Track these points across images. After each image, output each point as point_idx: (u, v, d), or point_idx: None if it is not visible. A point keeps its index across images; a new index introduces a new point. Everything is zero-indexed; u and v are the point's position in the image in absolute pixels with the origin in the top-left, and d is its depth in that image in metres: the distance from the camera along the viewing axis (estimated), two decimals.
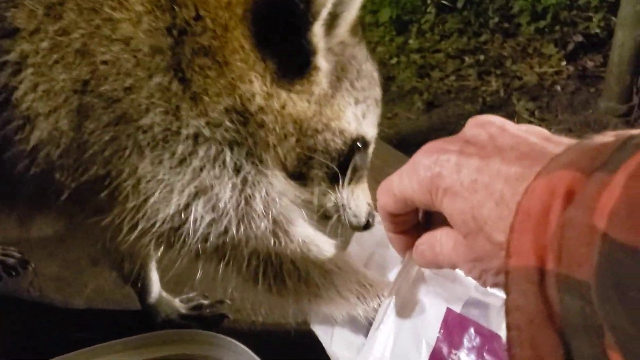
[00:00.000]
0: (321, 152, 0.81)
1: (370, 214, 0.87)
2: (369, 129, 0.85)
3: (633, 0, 2.62)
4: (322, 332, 0.81)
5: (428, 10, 4.24)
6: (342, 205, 0.85)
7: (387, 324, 0.70)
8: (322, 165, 0.81)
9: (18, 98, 0.71)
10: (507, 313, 0.41)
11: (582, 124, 2.95)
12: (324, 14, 0.74)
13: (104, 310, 1.09)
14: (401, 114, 2.92)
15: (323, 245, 0.82)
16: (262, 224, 0.76)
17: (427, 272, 0.73)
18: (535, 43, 3.58)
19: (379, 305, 0.77)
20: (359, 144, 0.82)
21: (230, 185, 0.74)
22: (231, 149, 0.75)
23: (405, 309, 0.71)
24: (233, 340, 0.79)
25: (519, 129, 0.50)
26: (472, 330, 0.69)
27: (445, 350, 0.68)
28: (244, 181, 0.75)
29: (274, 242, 0.77)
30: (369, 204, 0.87)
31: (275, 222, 0.78)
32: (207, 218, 0.74)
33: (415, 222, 0.58)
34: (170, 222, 0.74)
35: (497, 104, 3.14)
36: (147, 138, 0.71)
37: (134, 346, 0.82)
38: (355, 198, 0.86)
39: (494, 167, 0.46)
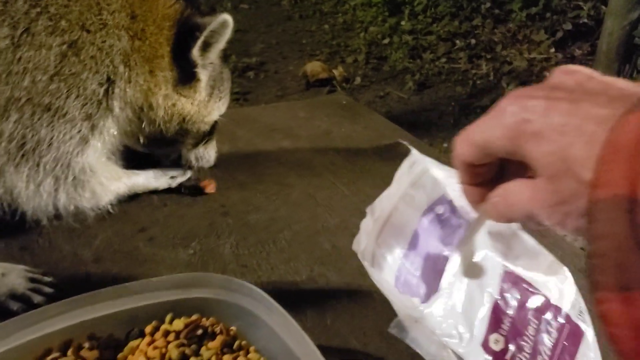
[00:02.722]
0: (194, 132, 1.25)
1: (215, 158, 1.35)
2: (223, 109, 1.30)
3: None
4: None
5: None
6: (201, 156, 1.32)
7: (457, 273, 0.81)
8: (194, 138, 1.26)
9: None
10: (591, 241, 0.41)
11: None
12: (199, 40, 1.11)
13: (112, 261, 1.13)
14: (393, 93, 2.96)
15: None
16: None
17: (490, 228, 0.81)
18: (525, 30, 3.64)
19: None
20: (216, 121, 1.29)
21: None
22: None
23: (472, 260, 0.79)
24: (249, 284, 0.83)
25: (606, 77, 0.50)
26: (526, 289, 0.81)
27: (502, 306, 0.80)
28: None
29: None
30: (215, 152, 1.35)
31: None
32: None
33: (492, 175, 0.57)
34: None
35: (487, 87, 3.19)
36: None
37: (151, 289, 0.85)
38: (208, 151, 1.33)
39: (584, 109, 0.46)
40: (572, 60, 3.33)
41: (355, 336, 0.97)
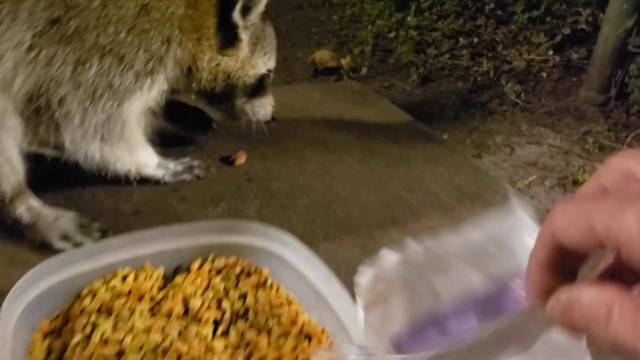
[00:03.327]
0: (242, 86, 1.35)
1: (273, 112, 1.46)
2: (271, 64, 1.39)
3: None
4: None
5: None
6: (256, 110, 1.43)
7: None
8: (243, 91, 1.37)
9: None
10: None
11: (562, 109, 3.17)
12: (239, 4, 1.23)
13: (150, 215, 1.26)
14: (397, 85, 3.09)
15: None
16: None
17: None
18: (526, 32, 3.78)
19: None
20: (267, 74, 1.38)
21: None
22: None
23: None
24: (280, 232, 0.97)
25: None
26: None
27: None
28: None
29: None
30: (272, 106, 1.45)
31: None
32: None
33: (575, 269, 0.45)
34: None
35: (487, 84, 3.34)
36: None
37: (190, 233, 0.98)
38: (264, 104, 1.43)
39: None
40: (569, 63, 3.48)
41: None
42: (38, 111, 1.15)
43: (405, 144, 1.64)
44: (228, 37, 1.28)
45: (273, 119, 1.47)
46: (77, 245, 1.14)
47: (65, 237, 1.15)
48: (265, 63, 1.37)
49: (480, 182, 1.47)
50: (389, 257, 0.62)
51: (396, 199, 1.38)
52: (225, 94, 1.36)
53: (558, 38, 3.59)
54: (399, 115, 1.83)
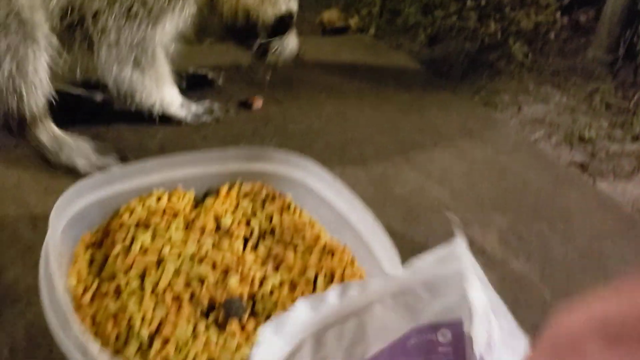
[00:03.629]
0: (262, 24, 1.37)
1: (298, 52, 1.47)
2: (293, 5, 1.41)
3: None
4: None
5: None
6: (280, 49, 1.44)
7: None
8: (265, 29, 1.38)
9: None
10: None
11: (570, 69, 3.19)
12: None
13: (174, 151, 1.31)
14: (405, 46, 3.11)
15: None
16: None
17: None
18: None
19: None
20: (288, 14, 1.39)
21: None
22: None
23: None
24: (305, 159, 1.02)
25: None
26: None
27: None
28: None
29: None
30: (296, 46, 1.47)
31: None
32: None
33: None
34: None
35: (495, 45, 3.34)
36: None
37: (219, 159, 1.03)
38: (288, 44, 1.45)
39: None
40: (577, 24, 3.48)
41: (381, 219, 1.15)
42: (73, 28, 1.19)
43: (418, 92, 1.68)
44: None
45: (296, 59, 1.51)
46: (99, 166, 1.20)
47: (86, 159, 1.21)
48: (286, 3, 1.39)
49: (491, 126, 1.52)
50: (337, 290, 0.60)
51: (409, 141, 1.42)
52: (248, 31, 1.38)
53: (566, 0, 3.58)
54: (411, 66, 1.87)
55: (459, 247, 0.64)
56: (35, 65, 1.14)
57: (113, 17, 1.20)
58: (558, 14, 3.77)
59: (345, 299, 0.61)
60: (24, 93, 1.15)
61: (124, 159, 1.23)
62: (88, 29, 1.20)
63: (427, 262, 0.64)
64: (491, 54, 3.31)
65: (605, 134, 2.62)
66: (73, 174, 1.18)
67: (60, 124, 1.34)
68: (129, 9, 1.21)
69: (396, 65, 1.85)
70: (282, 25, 1.41)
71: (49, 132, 1.21)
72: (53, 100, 1.21)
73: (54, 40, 1.17)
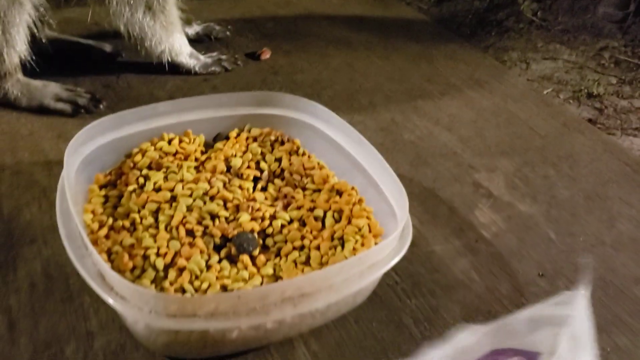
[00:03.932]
0: None
1: None
2: None
3: None
4: None
5: None
6: None
7: None
8: None
9: None
10: None
11: (579, 27, 3.17)
12: None
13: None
14: (413, 4, 3.09)
15: None
16: None
17: None
18: None
19: None
20: None
21: None
22: None
23: None
24: (314, 103, 1.03)
25: None
26: None
27: None
28: None
29: None
30: None
31: None
32: None
33: None
34: None
35: (503, 2, 3.32)
36: None
37: (229, 102, 1.04)
38: None
39: None
40: None
41: (389, 163, 1.16)
42: None
43: (427, 43, 1.68)
44: None
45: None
46: (74, 103, 1.24)
47: (59, 100, 1.24)
48: None
49: (499, 77, 1.52)
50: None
51: (418, 89, 1.43)
52: None
53: None
54: (419, 18, 1.86)
55: (579, 295, 0.62)
56: (18, 28, 1.17)
57: None
58: None
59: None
60: (4, 54, 1.19)
61: (95, 99, 1.26)
62: None
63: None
64: (500, 12, 3.28)
65: (614, 91, 2.62)
66: (43, 112, 1.23)
67: (70, 74, 1.36)
68: None
69: (405, 18, 1.84)
70: None
71: (14, 81, 1.24)
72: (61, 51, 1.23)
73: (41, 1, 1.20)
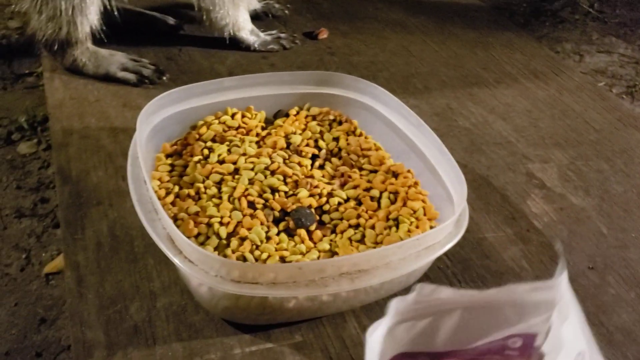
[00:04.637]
0: None
1: None
2: None
3: None
4: None
5: None
6: None
7: None
8: None
9: None
10: None
11: (637, 20, 3.10)
12: None
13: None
14: None
15: None
16: None
17: None
18: None
19: None
20: None
21: None
22: None
23: None
24: (374, 85, 1.04)
25: None
26: None
27: None
28: None
29: None
30: None
31: None
32: None
33: None
34: None
35: None
36: None
37: (290, 80, 1.06)
38: None
39: None
40: None
41: None
42: None
43: (483, 30, 1.67)
44: None
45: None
46: (140, 74, 1.28)
47: (125, 69, 1.29)
48: None
49: (555, 68, 1.51)
50: (425, 290, 0.62)
51: (473, 76, 1.43)
52: None
53: None
54: (476, 4, 1.85)
55: (559, 279, 0.63)
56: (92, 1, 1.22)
57: None
58: None
59: (429, 300, 0.63)
60: (78, 23, 1.23)
61: (160, 70, 1.31)
62: None
63: (522, 287, 0.64)
64: (555, 2, 3.23)
65: None
66: (109, 79, 1.28)
67: (134, 44, 1.40)
68: None
69: (461, 3, 1.84)
70: None
71: (84, 48, 1.28)
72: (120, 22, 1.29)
73: None
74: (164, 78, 1.29)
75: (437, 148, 0.93)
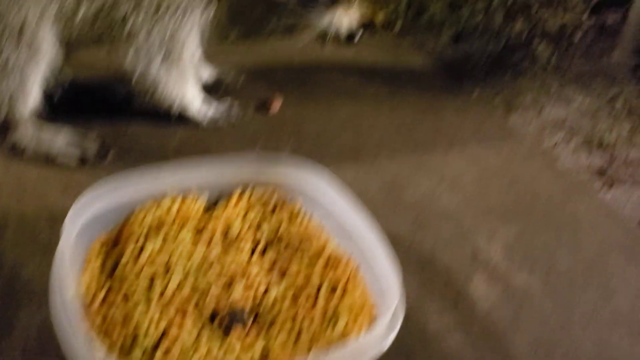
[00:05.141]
0: None
1: (355, 29, 1.35)
2: None
3: None
4: None
5: None
6: (334, 22, 1.32)
7: None
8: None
9: None
10: None
11: (594, 72, 3.16)
12: None
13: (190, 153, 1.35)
14: (428, 44, 3.11)
15: None
16: None
17: None
18: None
19: None
20: None
21: None
22: None
23: None
24: (317, 167, 1.04)
25: None
26: None
27: None
28: None
29: None
30: (349, 22, 1.33)
31: None
32: None
33: None
34: None
35: (519, 44, 3.32)
36: None
37: (232, 164, 1.05)
38: (338, 18, 1.32)
39: None
40: (604, 26, 3.45)
41: (390, 224, 1.16)
42: (101, 32, 1.23)
43: (435, 95, 1.69)
44: None
45: (350, 38, 1.37)
46: (81, 153, 1.26)
47: (69, 146, 1.27)
48: None
49: (507, 132, 1.52)
50: None
51: (424, 144, 1.44)
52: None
53: (594, 0, 3.54)
54: (430, 69, 1.88)
55: None
56: (35, 77, 1.20)
57: (141, 19, 1.23)
58: (585, 15, 3.74)
59: None
60: (18, 104, 1.22)
61: (105, 148, 1.28)
62: (115, 34, 1.23)
63: None
64: (515, 55, 3.29)
65: (626, 139, 2.60)
66: (51, 160, 1.25)
67: (81, 122, 1.39)
68: (156, 10, 1.24)
69: (415, 68, 1.86)
70: None
71: (30, 130, 1.26)
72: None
73: (59, 50, 1.23)
74: (109, 156, 1.27)
75: (376, 237, 0.93)
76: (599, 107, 2.87)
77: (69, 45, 1.31)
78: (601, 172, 2.09)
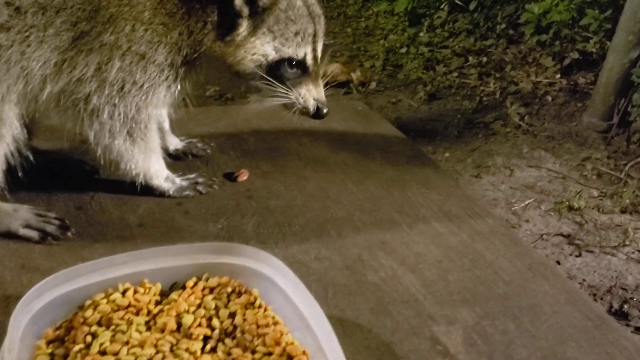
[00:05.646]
0: (249, 71, 1.31)
1: (319, 105, 1.37)
2: (297, 51, 1.31)
3: (626, 30, 2.89)
4: None
5: (442, 7, 4.48)
6: (301, 100, 1.36)
7: None
8: (256, 77, 1.32)
9: None
10: None
11: (564, 134, 3.23)
12: None
13: (153, 227, 1.34)
14: (404, 101, 3.16)
15: None
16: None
17: None
18: (535, 53, 3.83)
19: None
20: (289, 61, 1.31)
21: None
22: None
23: None
24: (271, 256, 1.04)
25: None
26: None
27: None
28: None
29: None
30: (315, 99, 1.37)
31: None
32: None
33: None
34: None
35: (492, 104, 3.39)
36: None
37: (187, 252, 1.05)
38: (303, 95, 1.36)
39: None
40: (575, 87, 3.53)
41: (350, 309, 1.17)
42: (65, 110, 1.25)
43: (402, 167, 1.71)
44: (231, 24, 1.26)
45: (317, 115, 1.40)
46: (43, 231, 1.24)
47: (27, 226, 1.25)
48: (276, 49, 1.30)
49: (470, 209, 1.53)
50: None
51: (387, 221, 1.45)
52: (249, 79, 1.34)
53: (566, 62, 3.64)
54: (399, 137, 1.90)
55: None
56: None
57: (104, 97, 1.24)
58: (557, 76, 3.82)
59: None
60: None
61: (63, 226, 1.27)
62: (80, 110, 1.24)
63: None
64: (488, 114, 3.34)
65: (595, 204, 2.65)
66: (10, 237, 1.25)
67: (43, 196, 1.38)
68: (121, 88, 1.25)
69: (385, 136, 1.88)
70: (280, 71, 1.32)
71: None
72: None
73: (22, 127, 1.24)
74: (69, 233, 1.26)
75: (329, 329, 0.92)
76: (569, 170, 2.93)
77: (34, 120, 1.32)
78: (571, 238, 2.11)
